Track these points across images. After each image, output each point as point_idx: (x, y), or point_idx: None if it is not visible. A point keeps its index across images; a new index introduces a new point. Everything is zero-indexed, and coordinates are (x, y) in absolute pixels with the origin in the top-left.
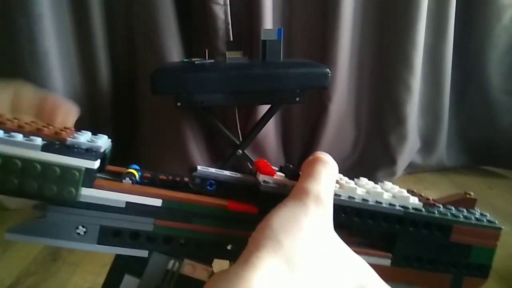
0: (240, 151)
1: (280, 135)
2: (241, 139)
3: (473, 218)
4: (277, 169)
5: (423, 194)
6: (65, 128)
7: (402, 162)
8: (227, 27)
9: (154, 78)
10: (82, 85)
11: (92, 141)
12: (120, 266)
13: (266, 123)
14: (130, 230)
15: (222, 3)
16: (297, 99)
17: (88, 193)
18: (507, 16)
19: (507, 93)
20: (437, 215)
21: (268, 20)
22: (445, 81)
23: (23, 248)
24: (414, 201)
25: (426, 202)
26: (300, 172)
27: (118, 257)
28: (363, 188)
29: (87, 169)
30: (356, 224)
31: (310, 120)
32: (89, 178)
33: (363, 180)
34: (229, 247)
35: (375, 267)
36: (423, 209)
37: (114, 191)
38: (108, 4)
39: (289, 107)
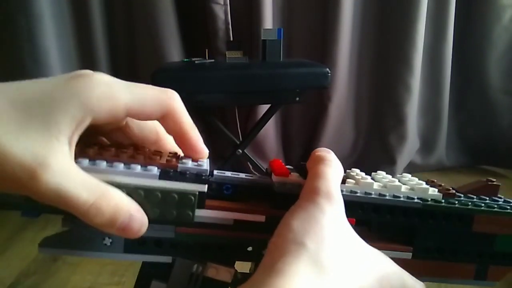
0: (240, 151)
1: (280, 135)
2: (241, 139)
3: (496, 206)
4: (291, 168)
5: (443, 184)
6: (169, 154)
7: (402, 162)
8: (227, 27)
9: (154, 78)
10: None
11: (198, 165)
12: (147, 273)
13: (266, 123)
14: (153, 238)
15: (222, 3)
16: (297, 99)
17: (201, 214)
18: (507, 16)
19: (507, 93)
20: (457, 205)
21: (268, 20)
22: (445, 81)
23: (23, 248)
24: (433, 192)
25: (445, 192)
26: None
27: (144, 264)
28: (380, 182)
29: (199, 192)
30: (374, 220)
31: (310, 120)
32: (201, 200)
33: (381, 174)
34: (249, 249)
35: (397, 261)
36: (443, 201)
37: (224, 210)
38: (108, 4)
39: (289, 107)
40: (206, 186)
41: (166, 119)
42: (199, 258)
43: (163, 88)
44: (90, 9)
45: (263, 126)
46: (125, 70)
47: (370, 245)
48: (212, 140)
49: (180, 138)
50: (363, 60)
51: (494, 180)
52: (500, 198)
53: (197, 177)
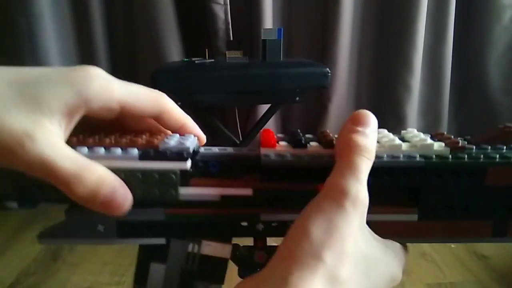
0: None
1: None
2: (241, 139)
3: None
4: (282, 136)
5: (452, 137)
6: (155, 134)
7: None
8: (227, 27)
9: (154, 78)
10: None
11: (181, 143)
12: (145, 256)
13: (266, 122)
14: (144, 221)
15: (222, 3)
16: (297, 99)
17: (186, 192)
18: (507, 16)
19: (507, 93)
20: (466, 159)
21: (268, 20)
22: (445, 81)
23: (23, 248)
24: (439, 147)
25: (454, 146)
26: (334, 148)
27: (141, 247)
28: (379, 142)
29: (181, 170)
30: (373, 183)
31: (310, 120)
32: (184, 178)
33: (382, 133)
34: (244, 224)
35: (402, 224)
36: (450, 155)
37: (209, 187)
38: (108, 4)
39: (289, 107)
40: (188, 163)
41: (162, 118)
42: (193, 237)
43: (153, 89)
44: (90, 9)
45: (263, 126)
46: (125, 70)
47: (371, 210)
48: (212, 140)
49: (178, 131)
50: (363, 60)
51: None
52: None
53: (178, 155)
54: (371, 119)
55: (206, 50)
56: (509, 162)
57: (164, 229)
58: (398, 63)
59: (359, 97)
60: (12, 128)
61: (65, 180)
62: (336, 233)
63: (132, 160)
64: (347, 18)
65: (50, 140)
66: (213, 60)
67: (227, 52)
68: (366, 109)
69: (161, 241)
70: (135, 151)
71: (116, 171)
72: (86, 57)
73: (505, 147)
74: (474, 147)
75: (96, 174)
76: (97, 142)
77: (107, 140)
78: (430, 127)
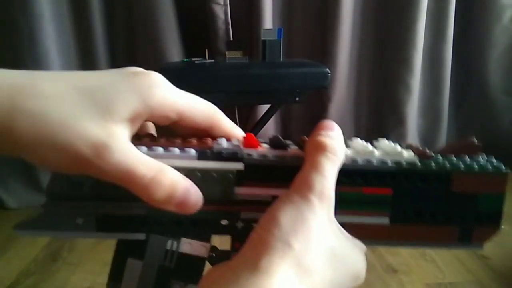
0: None
1: (280, 135)
2: None
3: (476, 165)
4: (263, 140)
5: (420, 148)
6: (201, 137)
7: None
8: (227, 27)
9: None
10: None
11: (234, 145)
12: (122, 251)
13: (266, 123)
14: (125, 215)
15: (222, 3)
16: (297, 99)
17: (241, 191)
18: (507, 16)
19: (507, 93)
20: (433, 166)
21: (268, 20)
22: (445, 81)
23: (23, 248)
24: (408, 155)
25: (422, 154)
26: (302, 148)
27: (119, 242)
28: (353, 149)
29: (237, 170)
30: (347, 185)
31: (310, 120)
32: (239, 178)
33: (356, 141)
34: (224, 222)
35: (374, 227)
36: (418, 163)
37: (262, 187)
38: (108, 4)
39: (289, 107)
40: (243, 164)
41: (212, 130)
42: (173, 234)
43: (208, 103)
44: (90, 9)
45: (263, 126)
46: None
47: (344, 211)
48: None
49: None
50: (363, 60)
51: (475, 140)
52: (482, 157)
53: (233, 155)
54: (334, 125)
55: (206, 50)
56: (473, 171)
57: (145, 225)
58: (398, 63)
59: (359, 97)
60: (87, 137)
61: (143, 185)
62: (303, 223)
63: (191, 159)
64: (347, 18)
65: (124, 147)
66: (213, 60)
67: (227, 52)
68: (366, 109)
69: (141, 236)
70: (192, 151)
71: (176, 169)
72: (86, 57)
73: (467, 157)
74: (440, 156)
75: (171, 176)
76: (154, 142)
77: (162, 140)
78: (430, 127)
